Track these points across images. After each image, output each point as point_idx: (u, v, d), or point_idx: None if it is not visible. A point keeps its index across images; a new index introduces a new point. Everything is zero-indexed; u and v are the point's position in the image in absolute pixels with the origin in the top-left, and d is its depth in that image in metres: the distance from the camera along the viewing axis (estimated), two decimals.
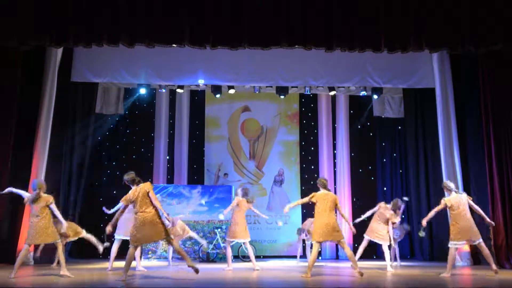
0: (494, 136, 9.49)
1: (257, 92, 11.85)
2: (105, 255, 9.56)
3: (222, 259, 10.98)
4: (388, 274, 8.14)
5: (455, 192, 7.99)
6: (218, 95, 11.73)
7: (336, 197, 7.74)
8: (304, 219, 12.42)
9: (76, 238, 9.26)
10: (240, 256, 11.24)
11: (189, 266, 6.98)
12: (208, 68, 10.86)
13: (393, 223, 9.13)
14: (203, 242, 10.51)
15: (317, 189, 7.83)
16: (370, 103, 12.94)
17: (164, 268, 9.17)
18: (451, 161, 10.44)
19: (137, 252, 8.62)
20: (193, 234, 10.04)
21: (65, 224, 7.70)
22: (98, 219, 11.43)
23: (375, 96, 11.90)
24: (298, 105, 13.19)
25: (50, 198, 7.36)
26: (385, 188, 12.95)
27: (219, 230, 11.14)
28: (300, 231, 10.27)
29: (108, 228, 7.15)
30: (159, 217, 6.94)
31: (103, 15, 8.81)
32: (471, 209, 7.86)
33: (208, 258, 10.98)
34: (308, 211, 12.29)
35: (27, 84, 9.92)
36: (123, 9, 8.80)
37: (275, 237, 12.47)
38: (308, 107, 13.21)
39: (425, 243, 11.42)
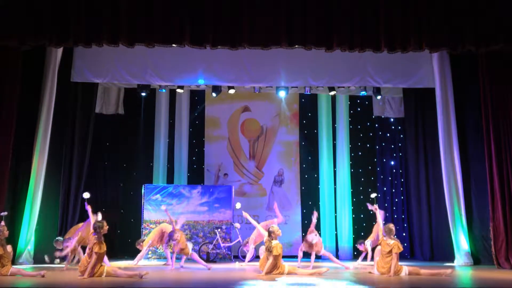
0: (494, 136, 9.48)
1: (257, 92, 11.85)
2: None
3: (222, 259, 11.00)
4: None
5: None
6: (214, 94, 11.71)
7: None
8: (304, 218, 12.45)
9: None
10: (240, 256, 11.23)
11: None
12: (208, 68, 10.83)
13: None
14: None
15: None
16: (370, 103, 12.96)
17: (163, 268, 9.17)
18: (451, 161, 10.43)
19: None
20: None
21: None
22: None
23: (378, 97, 11.85)
24: (298, 105, 13.17)
25: None
26: (385, 188, 12.94)
27: (219, 230, 11.13)
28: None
29: None
30: None
31: (103, 15, 8.80)
32: None
33: (208, 258, 10.96)
34: (307, 210, 12.28)
35: (27, 84, 9.91)
36: (123, 9, 8.79)
37: None
38: (308, 107, 13.19)
39: (425, 243, 11.42)
